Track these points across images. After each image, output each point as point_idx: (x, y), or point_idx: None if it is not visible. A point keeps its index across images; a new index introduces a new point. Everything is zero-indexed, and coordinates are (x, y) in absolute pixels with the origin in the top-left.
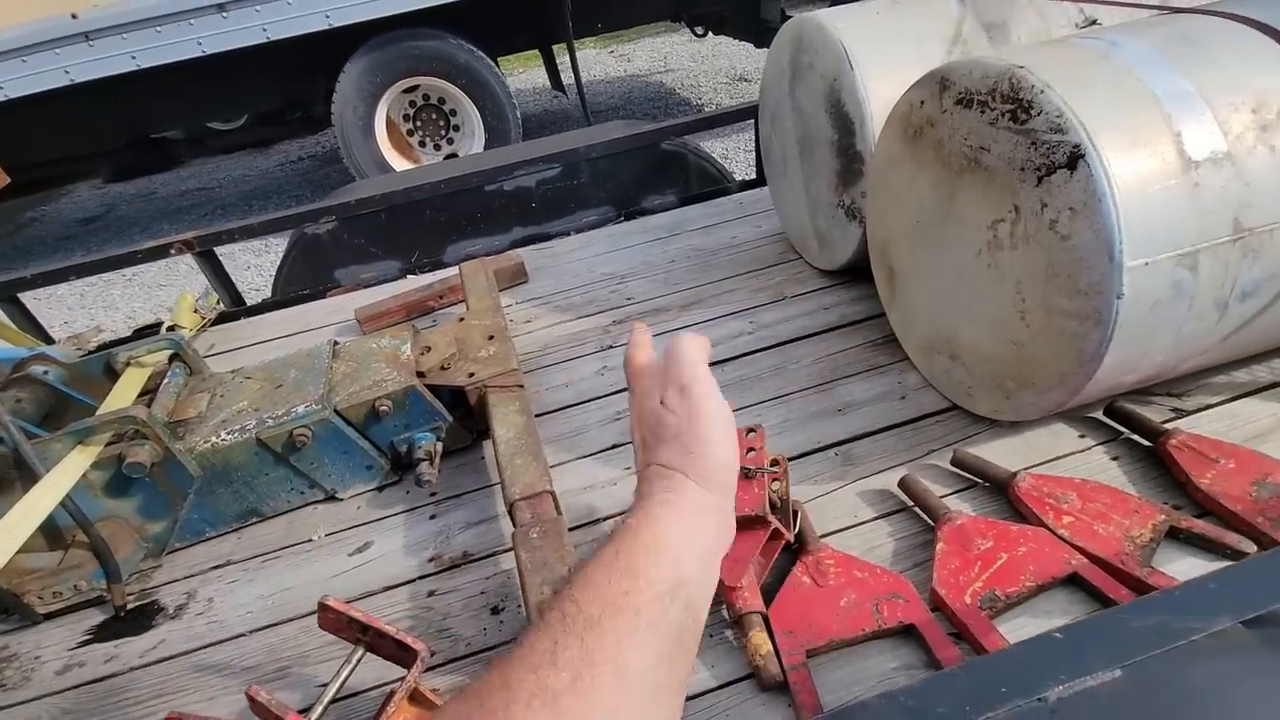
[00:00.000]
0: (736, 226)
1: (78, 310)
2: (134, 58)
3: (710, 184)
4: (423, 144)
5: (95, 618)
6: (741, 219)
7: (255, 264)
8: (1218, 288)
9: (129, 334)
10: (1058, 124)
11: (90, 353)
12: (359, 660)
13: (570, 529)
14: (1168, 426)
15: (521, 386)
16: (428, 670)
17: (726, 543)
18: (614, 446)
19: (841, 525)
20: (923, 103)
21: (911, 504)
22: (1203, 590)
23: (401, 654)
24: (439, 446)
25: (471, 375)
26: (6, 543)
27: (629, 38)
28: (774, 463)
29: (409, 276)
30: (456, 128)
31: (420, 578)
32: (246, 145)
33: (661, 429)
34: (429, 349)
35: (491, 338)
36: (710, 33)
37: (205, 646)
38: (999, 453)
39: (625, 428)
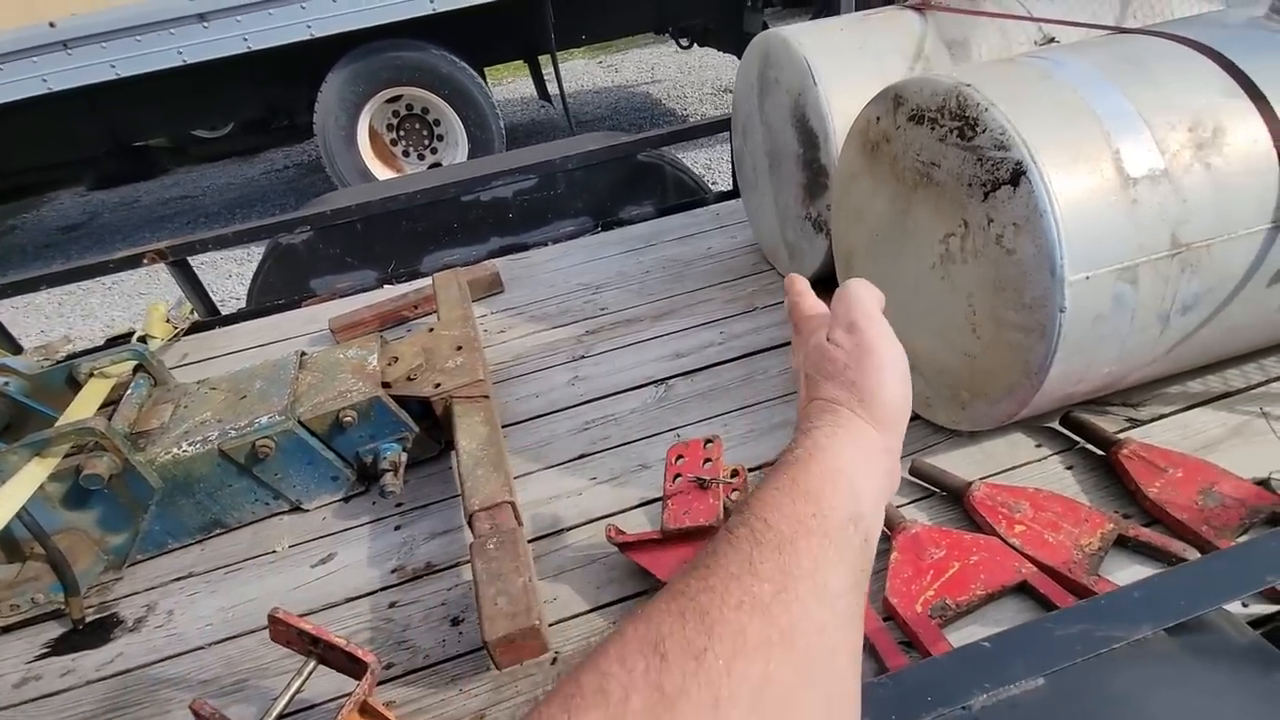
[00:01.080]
0: (713, 237)
1: (55, 319)
2: (113, 66)
3: (687, 195)
4: (406, 154)
5: (53, 631)
6: (718, 230)
7: (237, 273)
8: (1158, 301)
9: (102, 343)
10: (1001, 141)
11: (57, 363)
12: (310, 673)
13: (533, 539)
14: (1120, 436)
15: (487, 397)
16: (385, 682)
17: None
18: (581, 456)
19: None
20: (879, 119)
21: None
22: (1127, 599)
23: (352, 666)
24: (404, 457)
25: (437, 386)
26: None
27: (617, 48)
28: (734, 473)
29: (385, 286)
30: (440, 137)
31: (382, 589)
32: (231, 153)
33: (828, 364)
34: (396, 359)
35: (460, 348)
36: (695, 44)
37: (163, 660)
38: (958, 462)
39: (594, 437)
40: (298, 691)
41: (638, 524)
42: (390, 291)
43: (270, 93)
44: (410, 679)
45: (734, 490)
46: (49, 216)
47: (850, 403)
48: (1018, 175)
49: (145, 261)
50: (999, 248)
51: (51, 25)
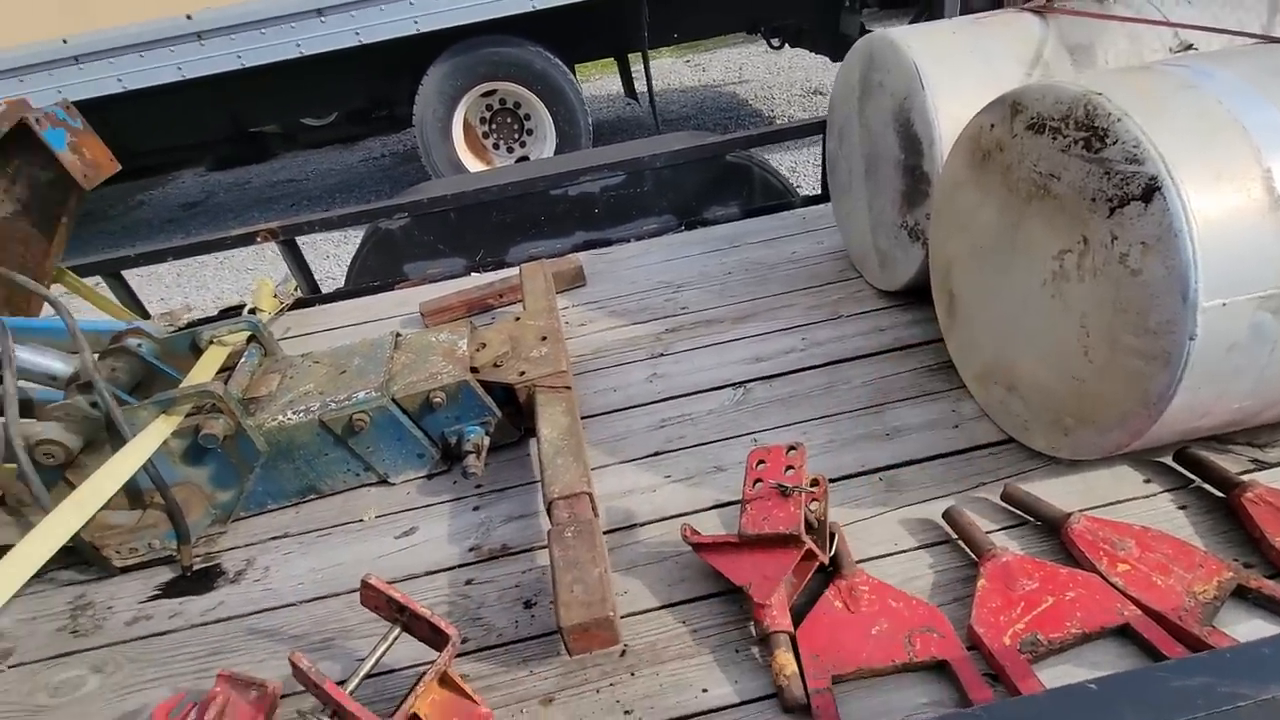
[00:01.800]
0: (798, 241)
1: (174, 289)
2: (239, 57)
3: (774, 198)
4: (496, 146)
5: (164, 575)
6: (803, 234)
7: (334, 254)
8: None
9: (216, 313)
10: (1134, 154)
11: (179, 329)
12: (395, 639)
13: (607, 532)
14: (1244, 478)
15: (570, 388)
16: (459, 656)
17: None
18: (656, 454)
19: (880, 552)
20: (993, 126)
21: (955, 537)
22: (1256, 654)
23: (434, 637)
24: (486, 440)
25: (522, 374)
26: (93, 500)
27: (706, 48)
28: (814, 482)
29: (473, 274)
30: (530, 131)
31: (460, 565)
32: (334, 141)
33: None
34: (484, 345)
35: (545, 339)
36: (787, 45)
37: (259, 612)
38: (1054, 492)
39: (670, 436)
40: (383, 655)
41: (711, 526)
42: (478, 279)
43: (375, 84)
44: (483, 655)
45: (814, 500)
46: (172, 194)
47: None
48: (1150, 191)
49: (259, 239)
50: (1122, 267)
51: (188, 18)
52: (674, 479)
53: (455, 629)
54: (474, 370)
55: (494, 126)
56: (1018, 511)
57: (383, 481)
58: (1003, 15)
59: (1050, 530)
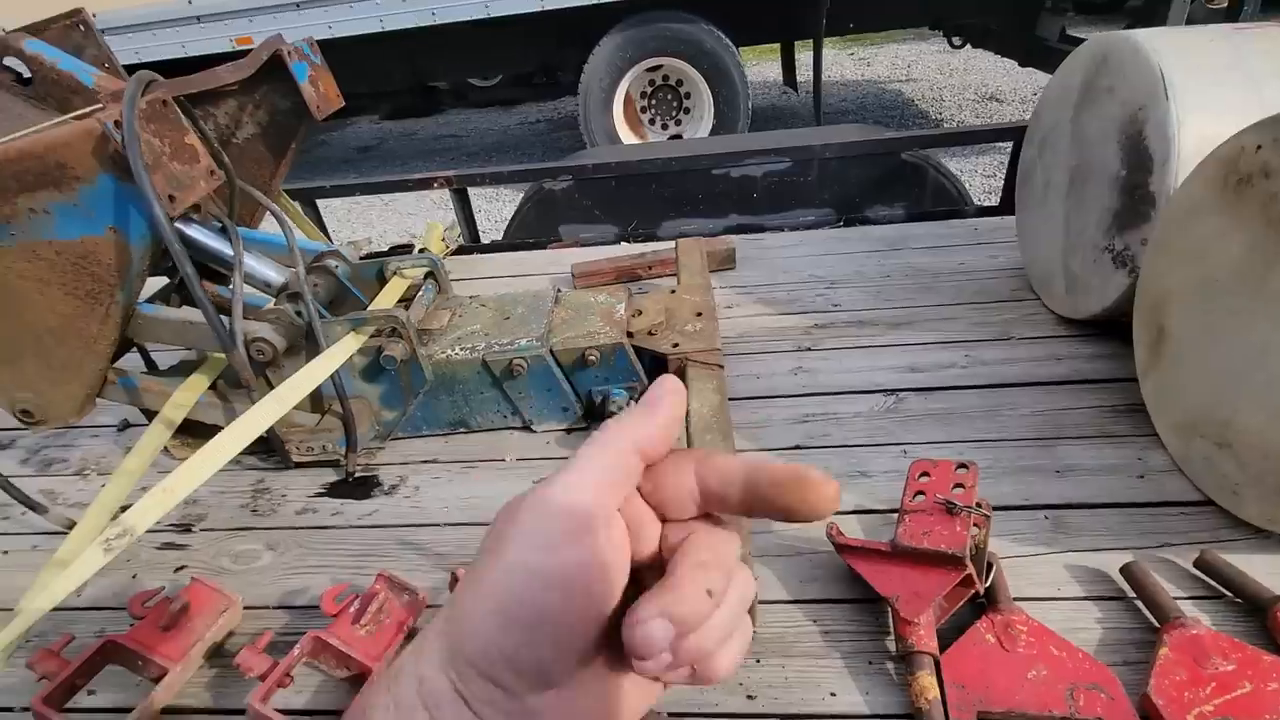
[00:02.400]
0: (967, 252)
1: (344, 223)
2: (434, 13)
3: (946, 204)
4: (653, 122)
5: (330, 476)
6: (973, 245)
7: (485, 209)
8: None
9: (386, 249)
10: None
11: (372, 257)
12: None
13: None
14: None
15: (722, 367)
16: None
17: None
18: (797, 448)
19: (1040, 594)
20: (1259, 148)
21: (1133, 595)
22: None
23: None
24: (631, 405)
25: (675, 345)
26: (291, 397)
27: (872, 41)
28: (976, 505)
29: (622, 243)
30: (687, 110)
31: None
32: (495, 103)
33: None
34: (640, 313)
35: (700, 314)
36: (968, 45)
37: (408, 526)
38: (1263, 569)
39: (812, 432)
40: None
41: (851, 531)
42: (627, 249)
43: (548, 50)
44: None
45: (975, 525)
46: (349, 137)
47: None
48: None
49: (436, 185)
50: None
51: None
52: None
53: None
54: (629, 335)
55: (653, 102)
56: (1213, 583)
57: (526, 427)
58: (1272, 30)
59: (1252, 610)
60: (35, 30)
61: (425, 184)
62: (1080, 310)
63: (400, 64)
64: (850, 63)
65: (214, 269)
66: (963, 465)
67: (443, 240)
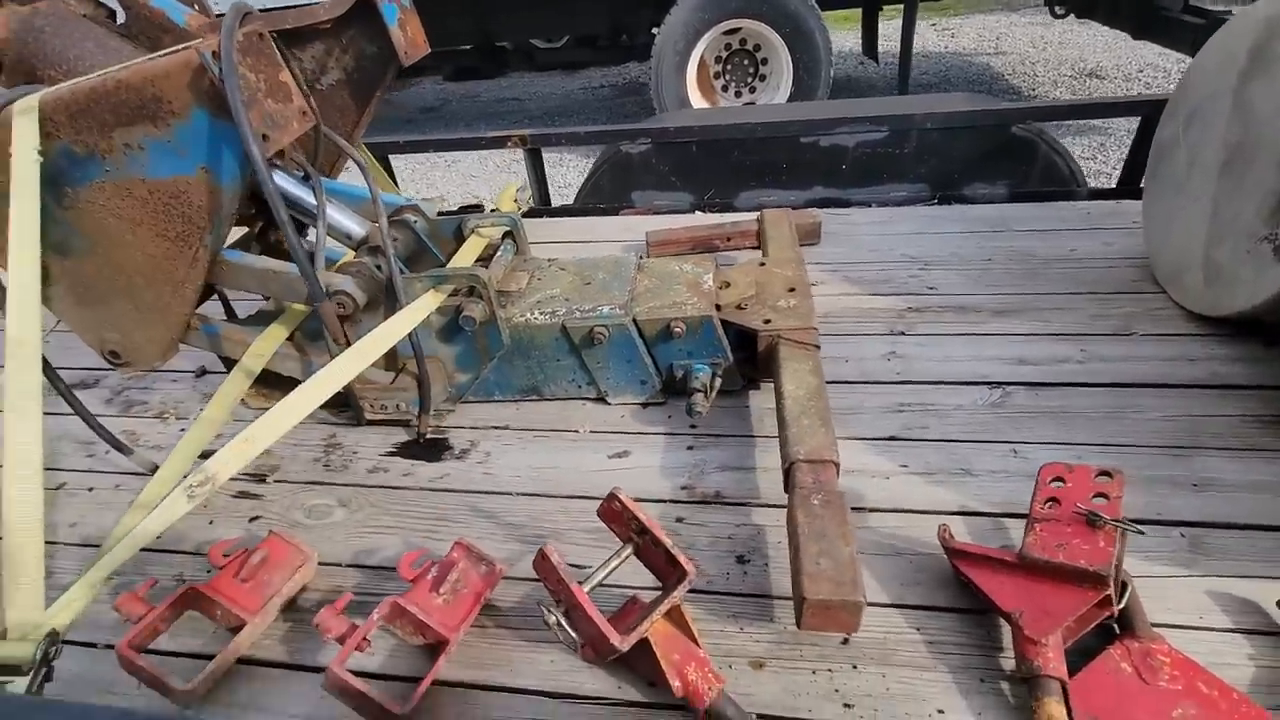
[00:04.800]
0: (1079, 238)
1: (407, 185)
2: None
3: (1055, 183)
4: (725, 88)
5: (400, 436)
6: (1087, 230)
7: (549, 175)
8: None
9: (455, 209)
10: None
11: (451, 213)
12: (625, 557)
13: None
14: None
15: (818, 347)
16: None
17: None
18: (892, 439)
19: (1180, 621)
20: None
21: None
22: None
23: (669, 567)
24: (716, 382)
25: (768, 322)
26: (371, 352)
27: (959, 11)
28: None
29: (697, 212)
30: (763, 77)
31: (672, 501)
32: (560, 65)
33: None
34: (728, 285)
35: (793, 290)
36: (1072, 15)
37: (479, 493)
38: None
39: (909, 423)
40: (614, 570)
41: (955, 533)
42: (704, 219)
43: (619, 11)
44: (691, 597)
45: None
46: (414, 97)
47: None
48: None
49: (509, 144)
50: None
51: None
52: (911, 470)
53: (694, 565)
54: (717, 308)
55: (728, 67)
56: None
57: (600, 399)
58: None
59: None
60: None
61: (499, 142)
62: (1221, 306)
63: (470, 22)
64: (932, 33)
65: (295, 218)
66: (1105, 473)
67: (515, 202)
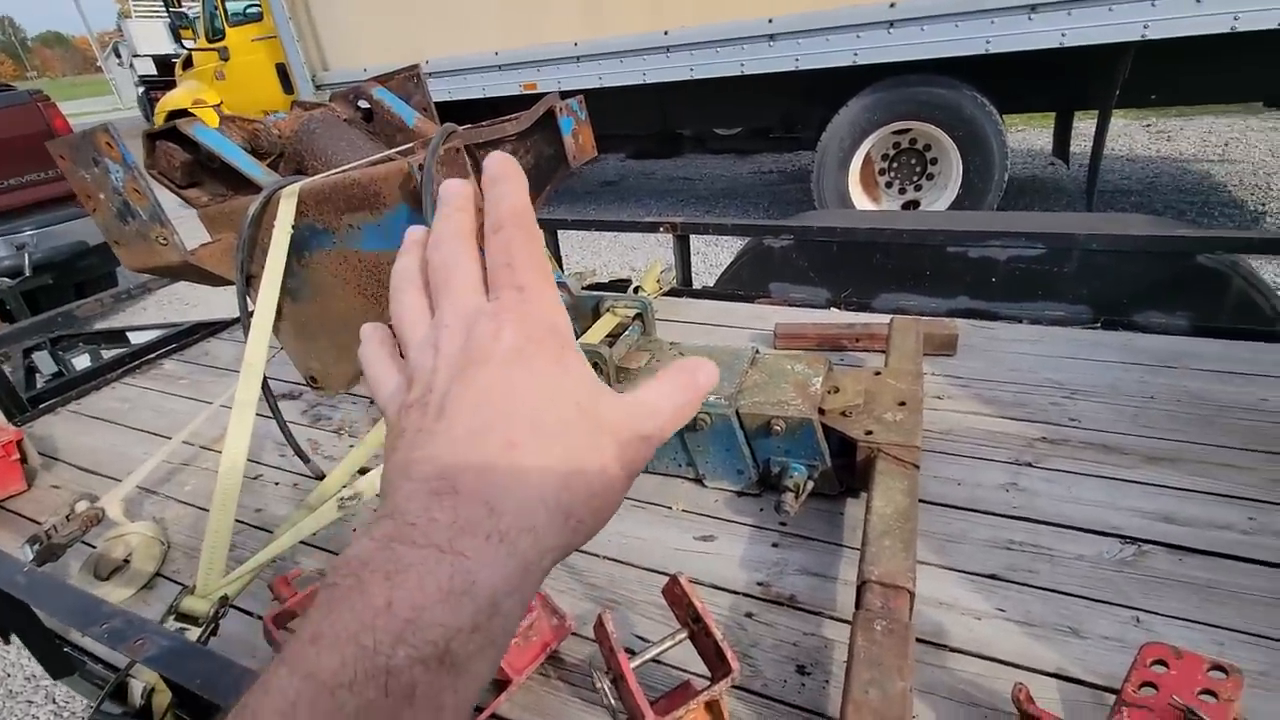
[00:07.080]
0: (1273, 386)
1: (575, 249)
2: (691, 70)
3: (1252, 322)
4: (889, 185)
5: None
6: None
7: (702, 250)
8: None
9: (606, 280)
10: None
11: (586, 287)
12: (679, 641)
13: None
14: None
15: (918, 466)
16: None
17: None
18: (993, 577)
19: None
20: None
21: None
22: None
23: (715, 660)
24: (809, 485)
25: (869, 433)
26: None
27: (1180, 112)
28: None
29: (832, 309)
30: (930, 177)
31: (745, 595)
32: (732, 150)
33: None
34: (837, 390)
35: (903, 404)
36: None
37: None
38: None
39: (1016, 563)
40: (666, 650)
41: (1046, 697)
42: (837, 315)
43: (791, 107)
44: (743, 696)
45: None
46: (596, 172)
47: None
48: None
49: (661, 230)
50: None
51: (665, 34)
52: (1008, 616)
53: (739, 664)
54: (821, 412)
55: (894, 165)
56: None
57: (698, 480)
58: None
59: None
60: (382, 80)
61: (652, 227)
62: None
63: (652, 111)
64: (1143, 135)
65: None
66: (1219, 668)
67: (658, 281)
